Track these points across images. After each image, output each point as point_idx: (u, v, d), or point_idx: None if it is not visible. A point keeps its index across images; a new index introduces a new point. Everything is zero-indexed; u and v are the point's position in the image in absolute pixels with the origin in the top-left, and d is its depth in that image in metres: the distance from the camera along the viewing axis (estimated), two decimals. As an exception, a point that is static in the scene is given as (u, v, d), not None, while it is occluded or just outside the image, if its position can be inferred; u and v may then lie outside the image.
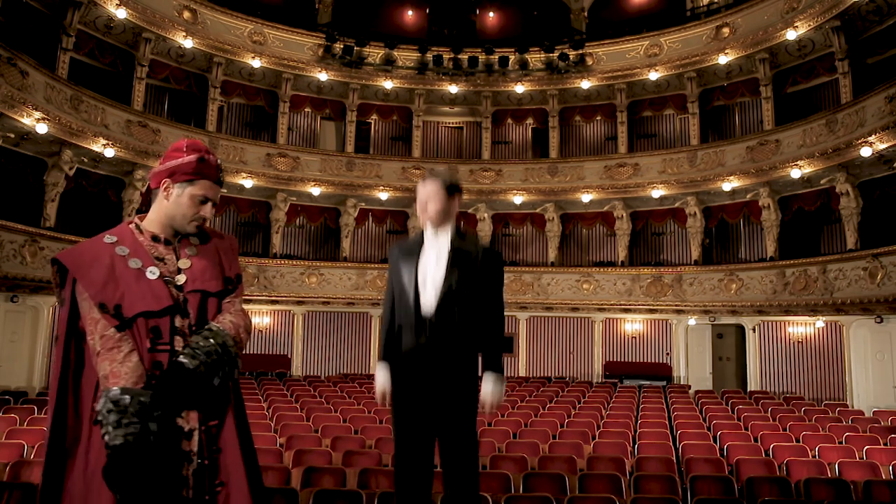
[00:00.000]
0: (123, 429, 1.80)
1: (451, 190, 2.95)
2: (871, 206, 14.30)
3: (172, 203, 2.14)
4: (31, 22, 14.06)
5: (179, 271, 2.08)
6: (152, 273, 2.03)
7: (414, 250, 2.96)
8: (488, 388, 2.86)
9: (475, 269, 2.89)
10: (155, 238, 2.13)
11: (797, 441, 9.16)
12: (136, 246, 2.08)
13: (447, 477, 2.85)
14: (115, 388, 1.85)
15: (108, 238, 2.08)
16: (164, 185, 2.16)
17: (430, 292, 2.86)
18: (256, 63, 17.31)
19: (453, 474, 2.82)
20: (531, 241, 19.53)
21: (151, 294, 1.99)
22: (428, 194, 2.92)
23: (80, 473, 1.89)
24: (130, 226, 2.17)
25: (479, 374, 2.93)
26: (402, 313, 2.92)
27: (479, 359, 2.94)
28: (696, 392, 14.58)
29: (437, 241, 2.94)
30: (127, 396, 1.83)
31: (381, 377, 2.97)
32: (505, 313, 3.03)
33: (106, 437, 1.80)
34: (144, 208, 2.26)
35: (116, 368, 1.88)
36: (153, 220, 2.17)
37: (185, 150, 2.16)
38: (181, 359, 1.92)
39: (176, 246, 2.14)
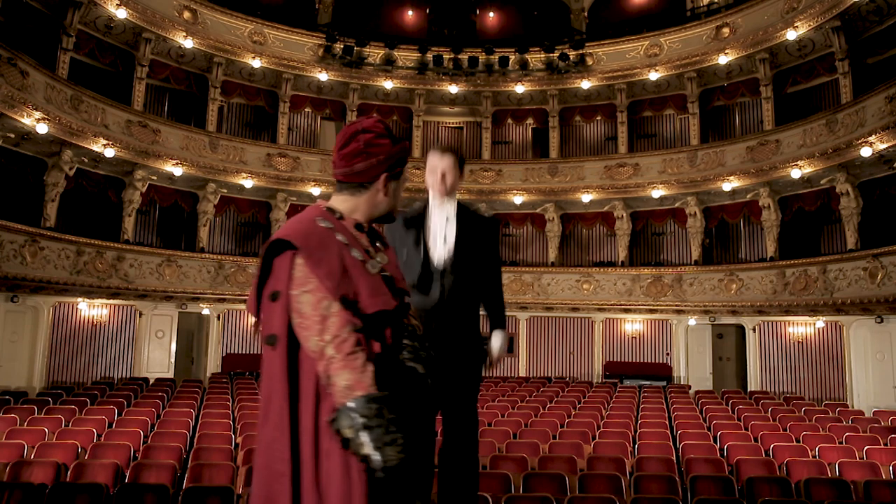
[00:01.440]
0: (394, 446, 1.58)
1: (462, 165, 3.11)
2: (871, 206, 14.30)
3: (391, 196, 1.89)
4: (31, 22, 14.06)
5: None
6: (373, 267, 1.77)
7: (422, 215, 3.06)
8: (497, 343, 3.04)
9: (480, 232, 3.03)
10: (358, 227, 1.84)
11: (797, 441, 9.16)
12: (350, 235, 1.78)
13: (447, 439, 2.89)
14: (360, 398, 1.59)
15: (324, 222, 1.77)
16: (383, 179, 1.85)
17: (440, 248, 2.97)
18: (256, 63, 17.31)
19: (454, 435, 2.88)
20: (531, 241, 19.53)
21: (381, 291, 1.74)
22: (446, 167, 3.03)
23: (310, 492, 1.63)
24: (323, 210, 1.83)
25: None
26: (410, 271, 2.96)
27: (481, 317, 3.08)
28: (697, 392, 14.58)
29: (443, 208, 3.04)
30: (376, 406, 1.59)
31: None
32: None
33: (371, 455, 1.57)
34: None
35: (359, 378, 1.61)
36: (356, 209, 1.85)
37: (385, 134, 1.85)
38: (413, 364, 1.74)
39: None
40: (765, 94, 16.43)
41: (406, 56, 18.56)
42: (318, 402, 1.65)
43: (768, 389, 15.67)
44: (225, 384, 13.78)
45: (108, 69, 15.85)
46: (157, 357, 16.35)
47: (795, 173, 14.75)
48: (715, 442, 9.09)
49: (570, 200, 18.08)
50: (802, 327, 15.84)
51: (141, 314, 16.08)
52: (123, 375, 15.41)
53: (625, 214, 17.70)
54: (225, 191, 17.08)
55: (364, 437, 1.57)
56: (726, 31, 16.47)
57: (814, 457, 8.22)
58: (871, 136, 12.95)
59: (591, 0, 19.69)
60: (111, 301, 15.46)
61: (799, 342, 15.86)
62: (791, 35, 15.13)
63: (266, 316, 1.70)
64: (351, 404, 1.59)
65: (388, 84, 18.57)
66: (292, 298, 1.66)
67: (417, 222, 3.05)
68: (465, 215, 3.04)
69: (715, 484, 6.53)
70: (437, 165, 3.04)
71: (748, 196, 16.27)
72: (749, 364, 16.41)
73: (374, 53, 18.44)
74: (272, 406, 1.66)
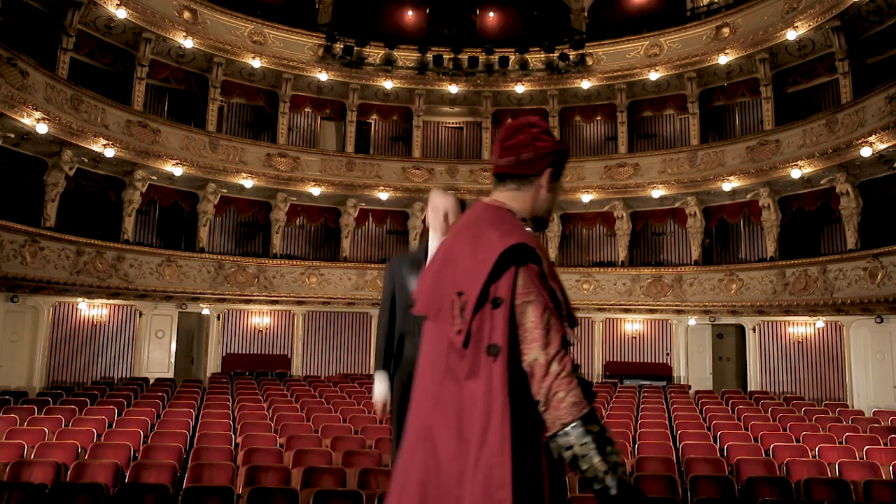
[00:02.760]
0: (623, 466, 1.51)
1: (464, 208, 3.02)
2: (871, 206, 14.30)
3: (551, 194, 1.79)
4: (31, 22, 14.06)
5: None
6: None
7: (421, 260, 2.95)
8: None
9: None
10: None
11: (797, 441, 9.16)
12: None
13: None
14: (586, 415, 1.52)
15: (527, 226, 1.72)
16: (548, 175, 1.76)
17: None
18: (256, 63, 17.31)
19: None
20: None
21: (569, 302, 1.64)
22: (449, 206, 2.92)
23: None
24: (507, 209, 1.77)
25: None
26: (408, 322, 2.94)
27: None
28: (696, 392, 14.58)
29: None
30: (599, 424, 1.53)
31: (381, 387, 2.96)
32: None
33: (603, 474, 1.49)
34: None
35: (580, 395, 1.54)
36: (523, 207, 1.78)
37: (549, 132, 1.78)
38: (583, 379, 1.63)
39: None
40: (765, 94, 16.43)
41: (406, 56, 18.56)
42: (528, 420, 1.56)
43: (768, 389, 15.67)
44: (225, 384, 13.78)
45: (108, 69, 15.84)
46: (157, 357, 16.35)
47: (795, 173, 14.75)
48: (715, 442, 9.09)
49: (570, 200, 18.07)
50: (802, 327, 15.83)
51: (141, 314, 16.08)
52: (123, 375, 15.41)
53: (625, 214, 17.70)
54: (225, 191, 17.07)
55: (596, 458, 1.51)
56: (726, 31, 16.47)
57: (814, 457, 8.22)
58: (871, 136, 12.95)
59: (591, 0, 19.69)
60: (111, 301, 15.46)
61: (799, 342, 15.86)
62: (791, 35, 15.13)
63: (486, 324, 1.58)
64: (577, 422, 1.52)
65: (388, 84, 18.57)
66: (516, 308, 1.58)
67: (417, 265, 2.95)
68: None
69: (715, 484, 6.53)
70: (439, 205, 2.93)
71: (748, 196, 16.27)
72: (749, 364, 16.41)
73: (374, 53, 18.43)
74: (491, 428, 1.52)
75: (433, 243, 2.93)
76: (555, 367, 1.55)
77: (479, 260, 1.61)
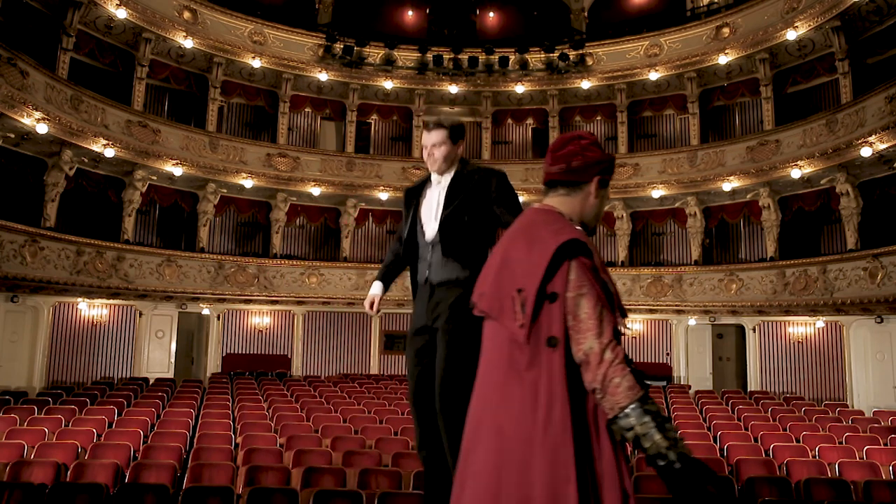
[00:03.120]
0: (682, 441, 1.63)
1: (456, 137, 3.01)
2: (871, 206, 14.30)
3: (598, 200, 1.92)
4: (31, 22, 14.06)
5: None
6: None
7: (419, 191, 3.09)
8: None
9: (475, 192, 2.92)
10: None
11: (797, 441, 9.16)
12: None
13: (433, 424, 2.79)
14: (642, 398, 1.65)
15: (578, 227, 1.86)
16: (596, 182, 1.90)
17: (432, 224, 2.94)
18: (256, 63, 17.30)
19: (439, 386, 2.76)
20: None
21: (619, 296, 1.78)
22: (433, 142, 2.97)
23: (591, 494, 1.64)
24: (559, 212, 1.90)
25: None
26: (409, 250, 2.99)
27: None
28: (696, 392, 14.58)
29: (440, 181, 3.03)
30: (655, 406, 1.65)
31: (375, 288, 3.08)
32: None
33: (666, 451, 1.60)
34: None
35: (633, 380, 1.66)
36: (573, 212, 1.90)
37: (598, 144, 1.94)
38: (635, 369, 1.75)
39: None
40: (765, 94, 16.43)
41: (406, 56, 18.56)
42: (587, 404, 1.68)
43: (768, 389, 15.67)
44: (225, 384, 13.78)
45: (108, 69, 15.84)
46: (157, 357, 16.35)
47: (795, 173, 14.75)
48: (715, 442, 9.09)
49: (570, 200, 18.06)
50: (802, 327, 15.83)
51: (141, 314, 16.08)
52: (123, 375, 15.41)
53: (625, 214, 17.70)
54: (225, 191, 17.07)
55: (657, 436, 1.61)
56: (726, 31, 16.47)
57: (814, 457, 8.22)
58: (871, 136, 12.95)
59: (591, 0, 19.69)
60: (111, 301, 15.46)
61: (799, 342, 15.86)
62: (791, 35, 15.13)
63: (544, 317, 1.70)
64: (635, 404, 1.63)
65: (388, 84, 18.57)
66: (568, 301, 1.69)
67: (417, 196, 3.09)
68: (460, 181, 2.95)
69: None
70: (426, 142, 3.00)
71: (748, 196, 16.27)
72: (749, 364, 16.41)
73: (374, 53, 18.43)
74: (554, 410, 1.64)
75: (432, 179, 3.06)
76: (608, 355, 1.65)
77: (534, 258, 1.73)
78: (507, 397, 1.70)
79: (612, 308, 1.72)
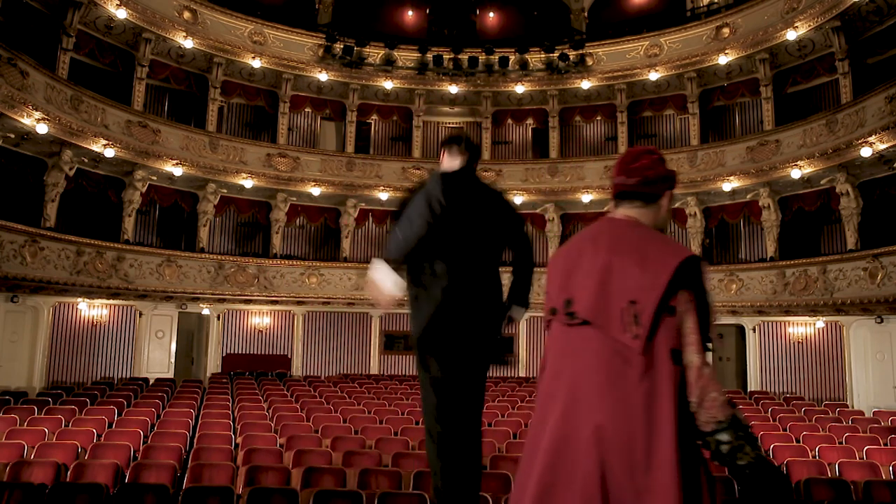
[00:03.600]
0: (768, 456, 1.74)
1: (476, 159, 3.07)
2: (871, 206, 14.30)
3: (666, 213, 1.99)
4: (31, 22, 14.06)
5: None
6: None
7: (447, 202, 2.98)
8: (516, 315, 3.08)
9: (497, 219, 3.00)
10: None
11: (797, 441, 9.16)
12: None
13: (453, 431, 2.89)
14: (736, 412, 1.73)
15: None
16: (669, 196, 1.98)
17: (456, 243, 2.91)
18: (256, 63, 17.31)
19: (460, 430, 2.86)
20: (531, 242, 19.49)
21: None
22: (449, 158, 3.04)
23: None
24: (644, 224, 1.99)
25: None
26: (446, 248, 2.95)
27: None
28: (697, 392, 14.55)
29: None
30: (745, 422, 1.76)
31: (392, 275, 2.90)
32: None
33: (755, 461, 1.70)
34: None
35: (724, 395, 1.73)
36: (649, 224, 1.98)
37: (664, 160, 2.04)
38: None
39: None
40: (765, 94, 16.43)
41: (406, 56, 18.56)
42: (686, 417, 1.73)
43: (768, 389, 15.67)
44: (225, 384, 13.78)
45: (108, 69, 15.85)
46: (157, 357, 16.35)
47: (795, 173, 14.75)
48: (715, 442, 9.06)
49: (570, 200, 18.08)
50: (802, 327, 15.83)
51: (141, 314, 16.08)
52: (123, 375, 15.41)
53: (625, 214, 17.68)
54: (225, 191, 17.07)
55: (750, 450, 1.71)
56: (726, 31, 16.47)
57: (814, 457, 8.22)
58: (871, 136, 12.95)
59: (591, 0, 19.69)
60: (111, 301, 15.46)
61: (799, 342, 15.86)
62: (791, 35, 15.13)
63: (662, 330, 1.74)
64: (732, 419, 1.71)
65: (388, 84, 18.57)
66: (678, 315, 1.75)
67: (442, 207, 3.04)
68: (483, 205, 2.99)
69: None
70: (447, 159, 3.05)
71: (748, 196, 16.27)
72: (749, 364, 16.41)
73: (374, 53, 18.43)
74: (669, 419, 1.68)
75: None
76: (707, 370, 1.72)
77: (652, 271, 1.77)
78: (613, 407, 1.72)
79: (710, 325, 1.78)
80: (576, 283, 1.87)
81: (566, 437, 1.76)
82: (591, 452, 1.71)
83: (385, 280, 2.85)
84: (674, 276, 1.74)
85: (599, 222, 1.98)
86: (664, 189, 1.95)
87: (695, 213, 16.98)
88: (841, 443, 9.02)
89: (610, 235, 1.91)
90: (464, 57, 18.55)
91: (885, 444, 8.96)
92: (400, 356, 18.25)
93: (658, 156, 1.97)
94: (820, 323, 15.47)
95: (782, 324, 16.08)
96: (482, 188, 3.03)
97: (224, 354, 17.05)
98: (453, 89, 18.81)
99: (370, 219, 18.90)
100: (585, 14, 19.61)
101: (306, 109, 19.16)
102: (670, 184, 1.97)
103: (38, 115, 12.61)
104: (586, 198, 17.71)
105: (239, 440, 8.28)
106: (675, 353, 1.72)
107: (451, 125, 20.50)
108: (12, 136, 12.89)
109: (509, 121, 19.84)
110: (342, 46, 17.97)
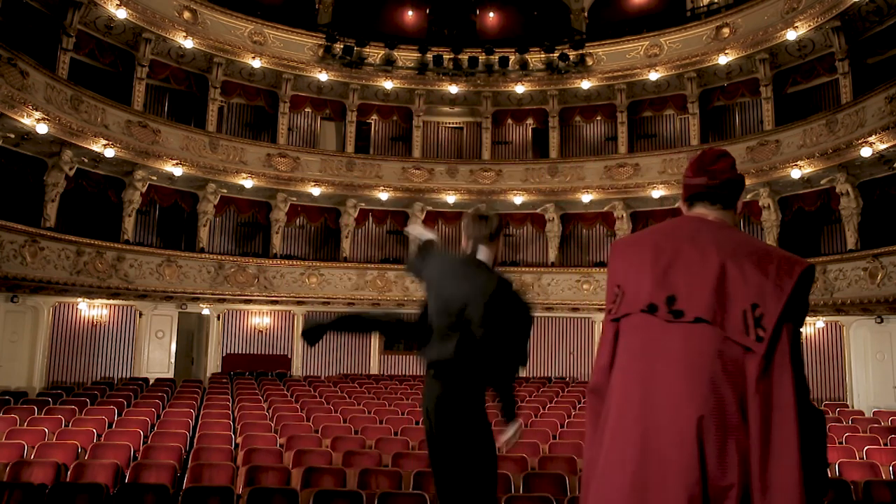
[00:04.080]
0: None
1: (498, 233, 2.99)
2: (871, 206, 14.29)
3: (738, 217, 2.04)
4: (31, 22, 14.06)
5: None
6: None
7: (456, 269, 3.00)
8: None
9: (496, 304, 2.85)
10: None
11: (797, 441, 9.13)
12: None
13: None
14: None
15: None
16: (741, 205, 2.02)
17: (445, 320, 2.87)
18: (256, 63, 17.31)
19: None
20: (531, 242, 19.53)
21: None
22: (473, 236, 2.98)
23: None
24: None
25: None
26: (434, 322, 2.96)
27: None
28: (697, 392, 14.55)
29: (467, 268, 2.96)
30: None
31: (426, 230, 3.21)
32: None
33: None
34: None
35: None
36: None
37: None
38: None
39: None
40: (765, 94, 16.43)
41: (406, 56, 18.56)
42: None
43: (768, 389, 15.65)
44: (225, 384, 13.78)
45: (108, 69, 15.85)
46: (157, 357, 16.35)
47: (795, 173, 14.75)
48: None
49: (570, 200, 18.08)
50: (802, 327, 15.81)
51: (141, 314, 16.08)
52: (123, 375, 15.41)
53: (625, 214, 17.70)
54: (225, 191, 17.07)
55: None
56: (726, 31, 16.47)
57: (814, 457, 8.20)
58: (871, 136, 12.95)
59: (591, 0, 19.69)
60: (111, 301, 15.46)
61: (799, 342, 15.83)
62: (791, 35, 15.13)
63: (782, 335, 1.73)
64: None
65: (388, 84, 18.57)
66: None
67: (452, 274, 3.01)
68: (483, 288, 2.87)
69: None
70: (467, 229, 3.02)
71: (748, 196, 16.26)
72: (749, 364, 16.38)
73: (374, 53, 18.43)
74: (792, 419, 1.68)
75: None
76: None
77: (776, 277, 1.76)
78: (715, 401, 1.71)
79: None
80: (681, 281, 1.84)
81: (657, 429, 1.75)
82: (690, 446, 1.70)
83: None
84: (797, 283, 1.74)
85: (688, 221, 1.95)
86: (740, 193, 1.96)
87: (695, 213, 16.96)
88: (841, 443, 9.02)
89: (714, 236, 1.88)
90: (464, 57, 18.55)
91: (885, 444, 8.96)
92: (400, 356, 18.26)
93: (733, 159, 1.97)
94: (820, 323, 15.47)
95: (782, 324, 16.05)
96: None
97: (224, 354, 17.05)
98: (453, 89, 18.81)
99: (370, 219, 18.90)
100: (585, 14, 19.61)
101: (306, 109, 19.16)
102: (743, 188, 1.98)
103: (38, 115, 12.61)
104: (586, 198, 17.71)
105: (239, 440, 8.28)
106: (794, 358, 1.71)
107: (451, 125, 20.50)
108: (12, 136, 12.89)
109: (509, 121, 19.84)
110: (342, 46, 17.97)
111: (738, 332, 1.74)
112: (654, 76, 17.61)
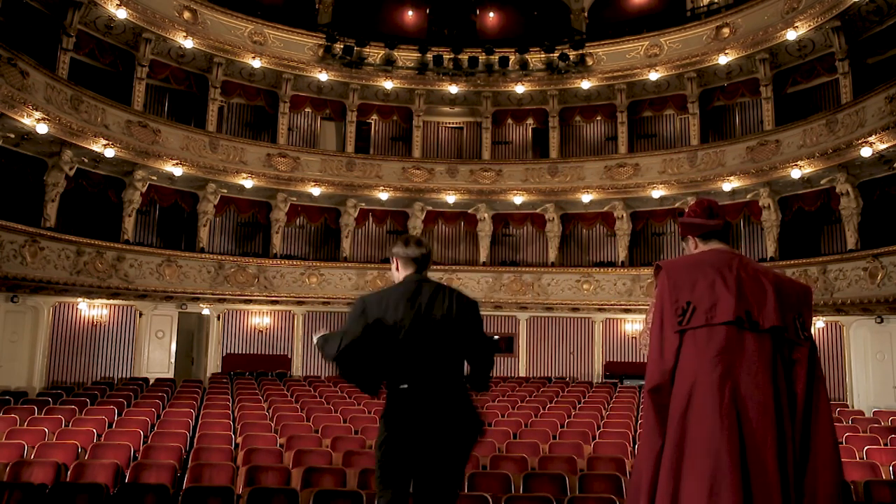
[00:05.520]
0: None
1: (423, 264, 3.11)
2: (871, 206, 14.29)
3: None
4: (31, 22, 14.06)
5: None
6: None
7: (392, 302, 3.02)
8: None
9: (454, 318, 2.98)
10: None
11: (797, 441, 9.13)
12: None
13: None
14: None
15: None
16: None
17: (418, 346, 2.94)
18: (256, 63, 17.31)
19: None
20: (531, 242, 19.53)
21: None
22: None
23: None
24: None
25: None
26: (392, 363, 2.99)
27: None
28: (697, 392, 14.55)
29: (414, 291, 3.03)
30: None
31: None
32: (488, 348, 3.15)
33: None
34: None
35: None
36: None
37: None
38: None
39: None
40: (765, 94, 16.43)
41: (406, 56, 18.56)
42: None
43: (768, 389, 15.65)
44: (225, 384, 13.78)
45: (108, 69, 15.84)
46: (157, 357, 16.35)
47: (795, 173, 14.75)
48: (715, 442, 9.06)
49: (570, 200, 18.08)
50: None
51: (141, 314, 16.08)
52: (123, 375, 15.41)
53: (625, 214, 17.70)
54: (225, 191, 17.07)
55: None
56: (726, 31, 16.47)
57: (814, 457, 8.20)
58: (871, 136, 12.95)
59: (591, 0, 19.69)
60: (111, 301, 15.46)
61: (799, 342, 15.84)
62: (791, 35, 15.13)
63: (813, 338, 2.47)
64: None
65: (388, 84, 18.57)
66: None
67: (390, 308, 3.04)
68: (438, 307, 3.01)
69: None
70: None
71: (748, 196, 16.27)
72: (749, 364, 16.38)
73: (374, 53, 18.43)
74: (821, 400, 2.47)
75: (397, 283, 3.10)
76: None
77: (804, 294, 2.53)
78: (774, 385, 2.34)
79: None
80: (752, 300, 2.42)
81: (747, 402, 2.29)
82: (771, 410, 2.30)
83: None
84: (812, 299, 2.50)
85: (720, 252, 2.56)
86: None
87: (695, 213, 16.94)
88: (841, 443, 9.02)
89: (749, 264, 2.55)
90: (464, 57, 18.55)
91: (885, 444, 8.96)
92: (400, 356, 18.24)
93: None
94: (820, 323, 15.47)
95: (782, 324, 16.06)
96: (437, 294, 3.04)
97: (224, 354, 17.05)
98: (453, 89, 18.81)
99: (370, 219, 18.90)
100: (585, 14, 19.61)
101: (306, 109, 19.16)
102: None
103: (38, 115, 12.61)
104: (586, 198, 17.71)
105: (239, 440, 8.28)
106: (813, 350, 2.41)
107: (451, 125, 20.50)
108: (12, 136, 12.89)
109: (509, 121, 19.84)
110: (342, 46, 17.97)
111: (794, 334, 2.41)
112: (654, 76, 17.61)
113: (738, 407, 2.27)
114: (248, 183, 16.90)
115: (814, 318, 15.90)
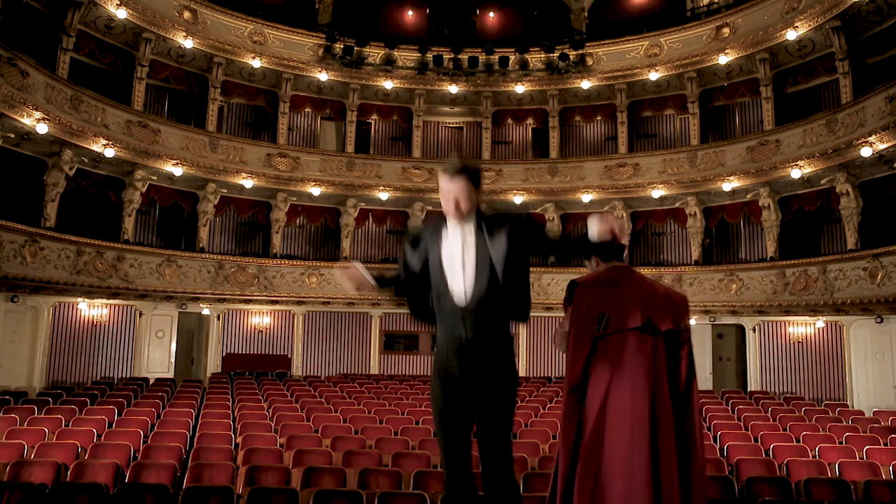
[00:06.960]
0: None
1: (478, 180, 2.88)
2: (871, 206, 14.30)
3: None
4: (31, 22, 14.06)
5: None
6: None
7: (437, 235, 2.93)
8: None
9: (503, 241, 2.86)
10: None
11: (797, 441, 9.16)
12: None
13: (486, 463, 2.85)
14: None
15: None
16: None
17: (459, 282, 2.84)
18: (256, 63, 17.30)
19: (491, 460, 2.84)
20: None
21: None
22: (458, 192, 2.82)
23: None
24: None
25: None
26: (436, 303, 2.91)
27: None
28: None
29: (461, 231, 2.88)
30: None
31: (366, 274, 2.94)
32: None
33: None
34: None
35: None
36: None
37: None
38: None
39: None
40: (765, 94, 16.43)
41: (406, 56, 18.55)
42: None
43: (768, 389, 15.67)
44: (225, 384, 13.78)
45: (108, 69, 15.84)
46: (157, 357, 16.35)
47: (795, 173, 14.75)
48: (715, 442, 9.09)
49: (570, 200, 18.08)
50: (802, 327, 15.83)
51: (141, 314, 16.08)
52: (123, 375, 15.41)
53: (625, 214, 17.70)
54: (225, 191, 17.07)
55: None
56: (726, 31, 16.47)
57: (814, 457, 8.23)
58: (871, 136, 12.95)
59: (591, 0, 19.69)
60: (111, 301, 15.46)
61: (799, 342, 15.86)
62: (791, 35, 15.13)
63: (690, 338, 3.15)
64: None
65: (388, 84, 18.57)
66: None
67: (435, 245, 2.92)
68: (486, 230, 2.86)
69: (715, 484, 6.53)
70: (448, 190, 2.83)
71: (748, 196, 16.27)
72: (749, 364, 16.41)
73: (374, 53, 18.43)
74: (693, 387, 3.03)
75: (450, 224, 2.90)
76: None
77: (682, 300, 3.09)
78: (660, 377, 2.90)
79: None
80: (651, 308, 2.94)
81: (653, 399, 2.83)
82: (668, 405, 2.87)
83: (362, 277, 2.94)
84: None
85: (621, 269, 3.07)
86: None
87: (695, 213, 16.98)
88: (841, 443, 9.02)
89: (641, 277, 3.08)
90: (464, 57, 18.55)
91: (885, 444, 8.97)
92: (400, 356, 18.26)
93: None
94: (820, 323, 15.48)
95: (782, 324, 16.08)
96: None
97: (224, 354, 17.05)
98: (453, 89, 18.81)
99: (370, 219, 18.90)
100: (585, 14, 19.60)
101: (306, 109, 19.16)
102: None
103: (38, 115, 12.61)
104: (586, 197, 17.71)
105: (239, 440, 8.29)
106: (690, 349, 3.02)
107: (451, 125, 20.50)
108: (12, 136, 12.89)
109: (509, 121, 19.84)
110: (342, 46, 17.97)
111: (681, 336, 2.98)
112: (654, 76, 17.61)
113: (649, 397, 2.79)
114: (248, 183, 16.89)
115: (812, 318, 15.96)
